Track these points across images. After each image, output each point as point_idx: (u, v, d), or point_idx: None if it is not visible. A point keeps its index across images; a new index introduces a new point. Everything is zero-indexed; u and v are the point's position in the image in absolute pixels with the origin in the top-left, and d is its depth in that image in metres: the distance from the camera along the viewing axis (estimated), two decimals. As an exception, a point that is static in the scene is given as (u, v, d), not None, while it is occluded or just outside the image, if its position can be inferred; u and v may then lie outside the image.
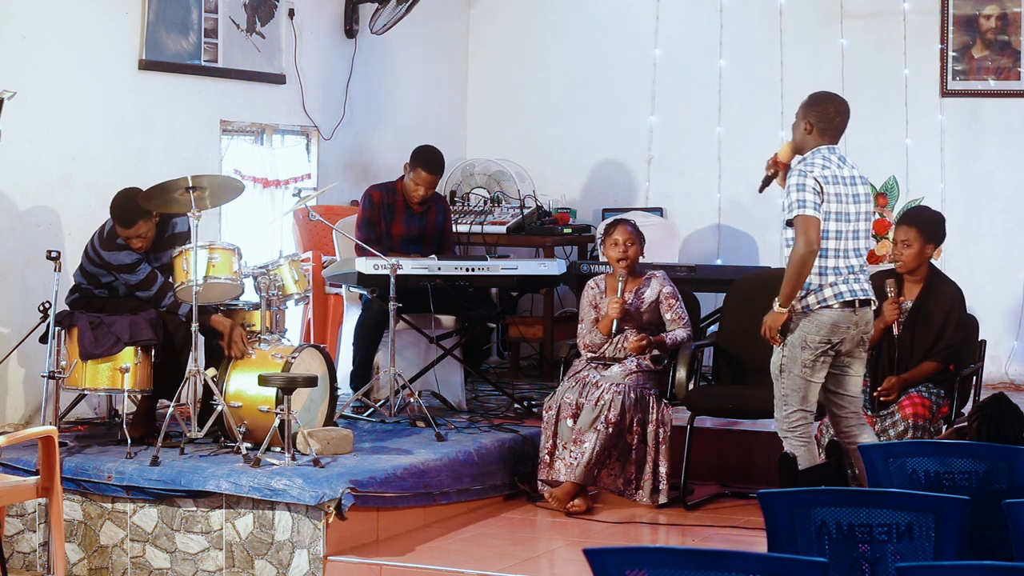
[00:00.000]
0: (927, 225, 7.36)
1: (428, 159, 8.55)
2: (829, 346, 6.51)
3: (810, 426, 6.62)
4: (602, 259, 8.23)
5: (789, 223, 6.48)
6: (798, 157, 6.64)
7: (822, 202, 6.43)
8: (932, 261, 7.46)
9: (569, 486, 7.52)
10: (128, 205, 7.27)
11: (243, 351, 7.32)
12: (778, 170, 6.77)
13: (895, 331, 7.29)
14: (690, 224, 10.49)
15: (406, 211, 8.64)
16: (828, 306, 6.49)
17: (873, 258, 9.05)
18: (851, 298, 6.50)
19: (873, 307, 6.68)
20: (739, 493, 7.81)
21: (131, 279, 7.36)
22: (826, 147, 6.57)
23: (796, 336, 6.52)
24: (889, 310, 7.26)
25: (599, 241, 8.04)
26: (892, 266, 7.50)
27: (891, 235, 8.85)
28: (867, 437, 6.68)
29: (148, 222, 7.33)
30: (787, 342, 6.54)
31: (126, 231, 7.31)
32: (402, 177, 8.61)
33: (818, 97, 6.65)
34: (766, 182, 6.86)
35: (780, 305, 6.50)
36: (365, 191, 8.74)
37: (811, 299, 6.50)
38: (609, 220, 8.22)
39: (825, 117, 6.57)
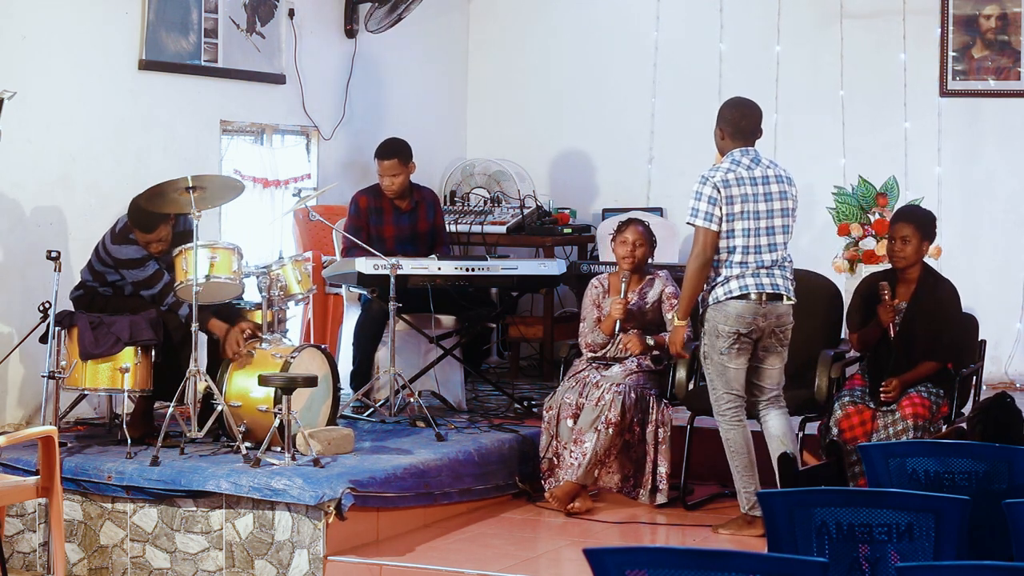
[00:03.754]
0: (924, 222, 7.40)
1: (379, 147, 8.64)
2: (739, 335, 6.86)
3: (741, 409, 6.99)
4: (603, 258, 8.22)
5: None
6: None
7: (722, 205, 6.82)
8: (930, 260, 7.47)
9: (569, 486, 7.52)
10: (148, 210, 7.27)
11: (236, 352, 7.33)
12: None
13: (891, 333, 7.28)
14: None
15: (395, 211, 8.64)
16: (733, 297, 6.85)
17: (873, 258, 9.05)
18: (757, 291, 6.85)
19: (787, 302, 6.94)
20: (739, 493, 7.81)
21: (137, 275, 7.35)
22: (739, 149, 6.95)
23: (709, 326, 6.92)
24: (884, 313, 7.26)
25: (610, 239, 8.04)
26: (887, 267, 7.50)
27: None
28: (775, 417, 7.02)
29: (167, 225, 7.36)
30: (704, 331, 6.94)
31: (147, 236, 7.31)
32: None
33: (726, 103, 7.08)
34: None
35: (678, 318, 7.02)
36: (352, 197, 8.73)
37: (719, 291, 6.88)
38: (623, 219, 8.24)
39: (732, 122, 6.98)
